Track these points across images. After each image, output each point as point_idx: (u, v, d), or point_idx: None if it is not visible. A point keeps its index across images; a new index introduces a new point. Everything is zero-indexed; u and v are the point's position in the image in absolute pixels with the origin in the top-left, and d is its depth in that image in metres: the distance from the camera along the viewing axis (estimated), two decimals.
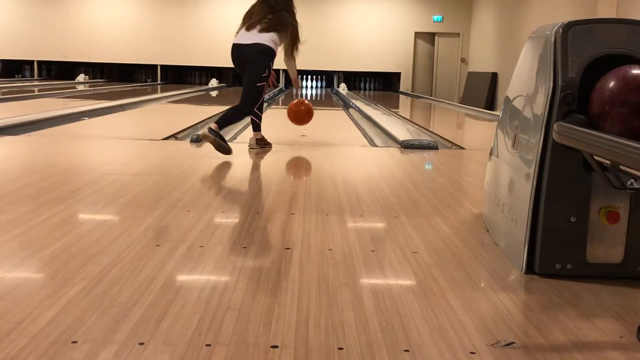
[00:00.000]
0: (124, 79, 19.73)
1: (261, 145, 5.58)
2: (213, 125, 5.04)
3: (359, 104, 12.16)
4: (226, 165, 4.73)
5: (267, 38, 5.46)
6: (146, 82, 19.85)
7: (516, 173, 2.61)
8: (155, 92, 15.11)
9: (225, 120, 5.30)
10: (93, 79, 19.81)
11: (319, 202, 3.53)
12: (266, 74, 5.44)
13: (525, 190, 2.41)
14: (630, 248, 2.34)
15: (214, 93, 15.84)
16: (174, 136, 6.20)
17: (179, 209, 3.26)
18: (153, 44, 18.95)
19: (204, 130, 5.05)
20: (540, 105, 2.40)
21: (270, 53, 5.44)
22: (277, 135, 6.18)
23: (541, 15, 12.54)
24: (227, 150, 5.00)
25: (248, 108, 5.47)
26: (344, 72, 19.75)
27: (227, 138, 6.48)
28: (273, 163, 5.05)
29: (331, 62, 19.37)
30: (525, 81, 2.69)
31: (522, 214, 2.43)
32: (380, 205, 3.49)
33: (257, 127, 5.61)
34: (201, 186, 4.00)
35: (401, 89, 19.33)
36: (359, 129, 7.96)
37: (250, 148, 5.52)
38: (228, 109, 5.60)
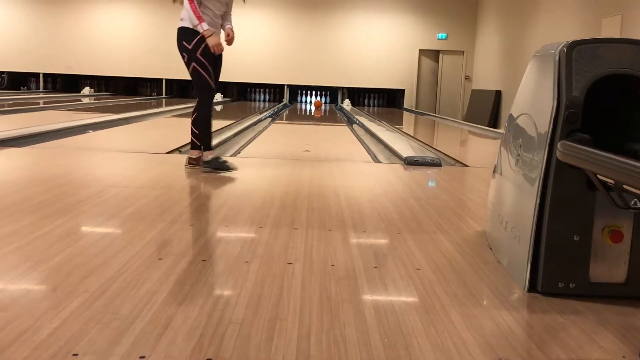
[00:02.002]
0: (129, 92, 19.81)
1: (192, 164, 5.05)
2: (194, 154, 4.97)
3: (363, 120, 12.19)
4: (229, 180, 4.73)
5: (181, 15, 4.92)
6: (151, 95, 19.92)
7: (519, 191, 2.61)
8: (159, 105, 15.17)
9: (197, 138, 4.99)
10: (98, 92, 19.89)
11: (322, 218, 3.53)
12: (188, 58, 4.86)
13: (529, 209, 2.41)
14: (633, 268, 2.33)
15: (218, 107, 15.89)
16: (177, 150, 6.21)
17: (182, 222, 3.26)
18: (158, 58, 19.04)
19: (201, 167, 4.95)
20: (544, 124, 2.40)
21: (180, 34, 4.89)
22: (280, 150, 6.19)
23: (545, 34, 12.59)
24: (228, 168, 4.96)
25: (198, 108, 4.98)
26: (348, 88, 19.81)
27: (229, 153, 6.50)
28: (276, 178, 5.05)
29: (335, 78, 19.43)
30: (529, 99, 2.70)
31: (525, 232, 2.42)
32: (383, 222, 3.49)
33: (194, 145, 5.06)
34: (204, 200, 4.00)
35: (405, 106, 19.37)
36: (362, 145, 7.97)
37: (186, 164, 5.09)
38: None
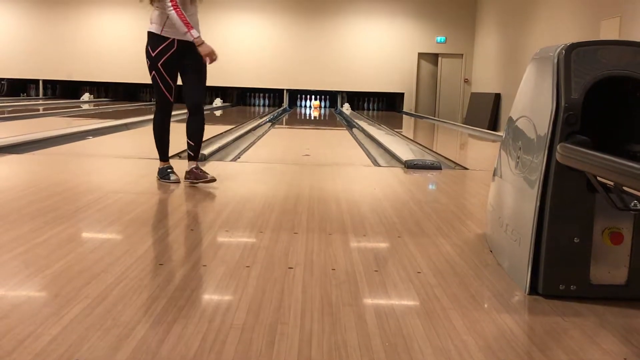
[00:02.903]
0: (129, 98, 19.81)
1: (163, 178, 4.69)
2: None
3: (363, 124, 12.19)
4: (229, 184, 4.73)
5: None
6: (151, 101, 19.91)
7: (519, 194, 2.61)
8: None
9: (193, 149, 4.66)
10: (98, 98, 19.90)
11: (323, 222, 3.53)
12: (149, 65, 4.53)
13: (529, 211, 2.41)
14: (634, 269, 2.33)
15: (218, 112, 15.90)
16: (178, 155, 6.22)
17: (182, 227, 3.26)
18: None
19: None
20: (543, 126, 2.40)
21: (148, 38, 4.56)
22: (280, 155, 6.19)
23: (544, 36, 12.60)
24: (169, 179, 4.60)
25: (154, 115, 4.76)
26: (347, 92, 19.82)
27: (229, 158, 6.50)
28: (276, 182, 5.05)
29: (335, 82, 19.45)
30: (528, 102, 2.70)
31: (526, 234, 2.42)
32: (383, 225, 3.49)
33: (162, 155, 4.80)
34: (204, 205, 4.01)
35: (404, 109, 19.37)
36: (362, 148, 7.97)
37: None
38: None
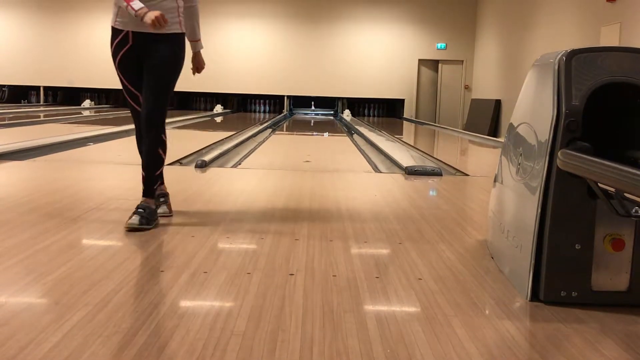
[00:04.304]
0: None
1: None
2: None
3: (363, 130, 12.20)
4: (230, 191, 4.73)
5: None
6: None
7: (520, 200, 2.61)
8: None
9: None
10: (99, 104, 19.93)
11: (323, 228, 3.53)
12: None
13: (530, 217, 2.41)
14: (635, 276, 2.33)
15: (218, 119, 15.91)
16: (178, 161, 6.22)
17: (183, 234, 3.26)
18: None
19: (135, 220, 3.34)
20: (544, 133, 2.40)
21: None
22: (281, 161, 6.19)
23: (544, 42, 12.62)
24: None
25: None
26: (348, 99, 19.85)
27: (230, 165, 6.50)
28: (277, 189, 5.05)
29: (335, 89, 19.47)
30: (529, 108, 2.71)
31: (527, 241, 2.42)
32: (384, 232, 3.49)
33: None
34: (205, 212, 4.00)
35: (405, 116, 19.39)
36: (363, 155, 7.97)
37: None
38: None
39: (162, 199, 3.72)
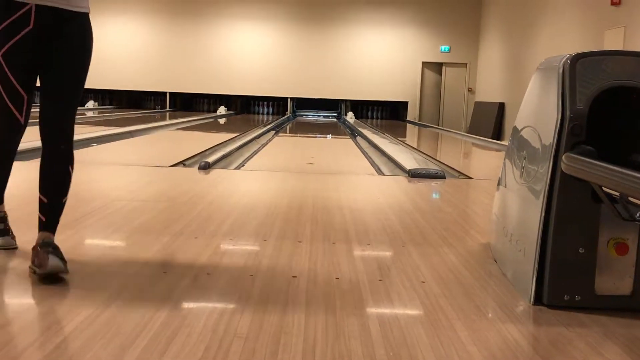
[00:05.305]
0: (133, 105, 19.87)
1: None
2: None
3: (367, 133, 12.20)
4: (233, 193, 4.73)
5: None
6: (155, 109, 19.97)
7: (524, 203, 2.60)
8: (164, 119, 15.21)
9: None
10: (102, 105, 19.96)
11: (326, 231, 3.53)
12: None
13: (534, 221, 2.41)
14: (639, 280, 2.32)
15: (222, 120, 15.93)
16: (182, 163, 6.23)
17: (187, 236, 3.26)
18: (162, 72, 19.12)
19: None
20: (548, 136, 2.40)
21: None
22: (284, 163, 6.19)
23: (548, 46, 12.60)
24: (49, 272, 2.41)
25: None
26: (351, 101, 19.85)
27: (233, 166, 6.51)
28: (280, 191, 5.05)
29: (339, 91, 19.48)
30: (533, 112, 2.70)
31: (531, 244, 2.42)
32: (387, 234, 3.48)
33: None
34: (208, 213, 4.00)
35: (408, 118, 19.39)
36: (366, 157, 7.97)
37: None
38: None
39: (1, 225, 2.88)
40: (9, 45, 2.44)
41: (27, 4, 2.42)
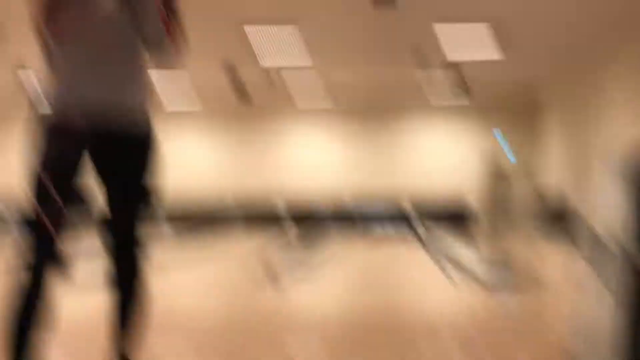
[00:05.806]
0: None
1: None
2: None
3: (437, 240, 12.06)
4: (304, 308, 4.66)
5: None
6: None
7: (604, 310, 2.50)
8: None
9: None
10: None
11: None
12: None
13: (616, 328, 2.31)
14: None
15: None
16: None
17: None
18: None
19: None
20: (626, 239, 2.34)
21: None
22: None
23: (615, 142, 12.40)
24: None
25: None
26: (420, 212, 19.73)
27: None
28: (353, 302, 4.98)
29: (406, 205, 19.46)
30: (607, 215, 2.65)
31: (613, 351, 2.31)
32: (461, 345, 3.38)
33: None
34: None
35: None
36: (438, 267, 7.84)
37: None
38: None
39: None
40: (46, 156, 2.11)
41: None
